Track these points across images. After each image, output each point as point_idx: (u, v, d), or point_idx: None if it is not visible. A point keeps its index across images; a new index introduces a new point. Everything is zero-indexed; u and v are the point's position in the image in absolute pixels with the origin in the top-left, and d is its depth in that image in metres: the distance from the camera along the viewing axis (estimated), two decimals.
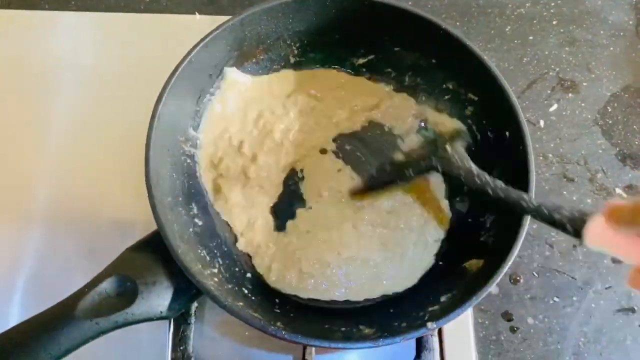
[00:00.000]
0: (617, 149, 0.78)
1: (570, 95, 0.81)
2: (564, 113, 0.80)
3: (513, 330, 0.68)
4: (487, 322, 0.68)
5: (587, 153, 0.77)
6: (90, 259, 0.67)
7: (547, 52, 0.84)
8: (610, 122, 0.79)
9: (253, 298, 0.58)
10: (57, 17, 0.81)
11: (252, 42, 0.65)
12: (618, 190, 0.75)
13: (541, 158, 0.77)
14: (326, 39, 0.68)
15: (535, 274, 0.70)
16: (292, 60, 0.70)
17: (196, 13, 0.81)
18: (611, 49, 0.84)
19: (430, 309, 0.56)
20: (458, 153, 0.59)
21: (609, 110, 0.80)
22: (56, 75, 0.77)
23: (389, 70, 0.71)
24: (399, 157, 0.65)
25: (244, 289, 0.59)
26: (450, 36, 0.61)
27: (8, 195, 0.71)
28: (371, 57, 0.70)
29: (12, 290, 0.65)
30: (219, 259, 0.60)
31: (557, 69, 0.83)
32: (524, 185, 0.56)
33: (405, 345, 0.63)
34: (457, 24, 0.85)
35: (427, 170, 0.61)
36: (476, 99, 0.65)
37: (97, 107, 0.75)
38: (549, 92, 0.81)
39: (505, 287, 0.70)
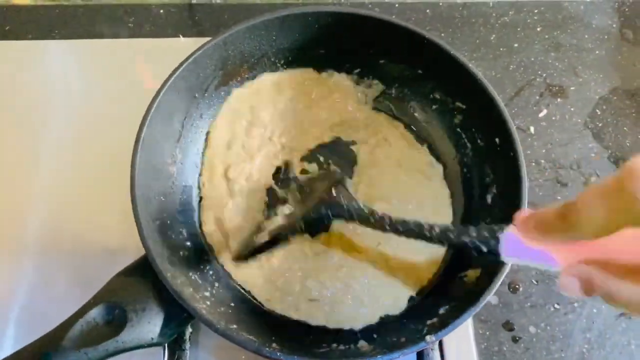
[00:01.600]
0: (609, 151, 0.77)
1: (559, 100, 0.81)
2: (553, 118, 0.79)
3: (515, 340, 0.66)
4: (488, 332, 0.66)
5: (579, 157, 0.76)
6: (82, 288, 0.64)
7: (533, 59, 0.84)
8: (600, 125, 0.78)
9: (247, 320, 0.57)
10: (42, 46, 0.80)
11: (236, 60, 0.64)
12: None
13: (533, 164, 0.76)
14: (311, 54, 0.67)
15: (534, 281, 0.69)
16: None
17: (180, 36, 0.81)
18: (597, 52, 0.84)
19: (428, 322, 0.55)
20: (344, 194, 0.57)
21: (599, 113, 0.80)
22: (44, 103, 0.76)
23: (376, 82, 0.70)
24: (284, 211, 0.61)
25: (237, 311, 0.57)
26: (434, 45, 0.60)
27: (1, 229, 0.69)
28: (357, 70, 0.70)
29: (5, 323, 0.64)
30: (211, 282, 0.59)
31: (544, 75, 0.82)
32: (517, 192, 0.55)
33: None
34: (442, 35, 0.84)
35: (316, 222, 0.57)
36: (464, 107, 0.65)
37: (86, 133, 0.74)
38: (537, 98, 0.81)
39: (505, 296, 0.68)
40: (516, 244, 0.43)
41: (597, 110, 0.80)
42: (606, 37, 0.86)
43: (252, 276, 0.61)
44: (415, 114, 0.70)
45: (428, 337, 0.50)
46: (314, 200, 0.58)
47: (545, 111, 0.80)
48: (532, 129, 0.78)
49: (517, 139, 0.57)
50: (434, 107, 0.68)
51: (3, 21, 0.83)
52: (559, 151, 0.77)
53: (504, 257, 0.44)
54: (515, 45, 0.85)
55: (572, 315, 0.67)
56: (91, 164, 0.72)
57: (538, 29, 0.86)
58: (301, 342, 0.56)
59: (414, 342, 0.51)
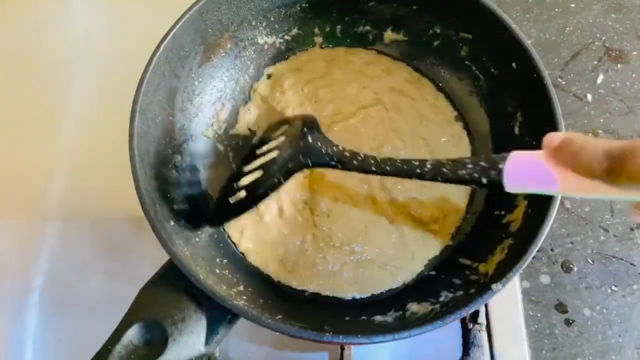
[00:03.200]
0: None
1: (619, 65, 0.74)
2: (613, 85, 0.72)
3: (568, 323, 0.61)
4: (539, 314, 0.61)
5: None
6: (105, 256, 0.63)
7: (591, 21, 0.76)
8: None
9: (288, 307, 0.52)
10: (65, 2, 0.76)
11: (215, 31, 0.58)
12: None
13: (590, 134, 0.70)
14: (293, 11, 0.62)
15: (590, 260, 0.64)
16: (266, 46, 0.64)
17: None
18: None
19: (483, 269, 0.50)
20: (321, 139, 0.52)
21: None
22: (67, 61, 0.72)
23: (368, 29, 0.65)
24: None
25: (275, 299, 0.53)
26: None
27: (23, 194, 0.67)
28: (347, 19, 0.64)
29: (29, 289, 0.62)
30: (241, 276, 0.54)
31: (604, 38, 0.75)
32: (550, 120, 0.50)
33: (451, 343, 0.58)
34: None
35: (296, 169, 0.51)
36: (470, 36, 0.59)
37: (111, 92, 0.69)
38: (595, 63, 0.74)
39: (558, 275, 0.63)
40: (521, 172, 0.39)
41: None
42: None
43: (266, 260, 0.57)
44: (417, 53, 0.65)
45: (494, 286, 0.44)
46: (289, 150, 0.52)
47: (602, 77, 0.73)
48: (589, 96, 0.72)
49: (539, 60, 0.52)
50: (435, 43, 0.63)
51: None
52: (619, 121, 0.70)
53: (507, 188, 0.40)
54: (572, 5, 0.77)
55: (630, 297, 0.62)
56: (117, 123, 0.68)
57: None
58: (349, 322, 0.51)
59: (478, 293, 0.45)
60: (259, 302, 0.49)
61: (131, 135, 0.48)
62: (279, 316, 0.46)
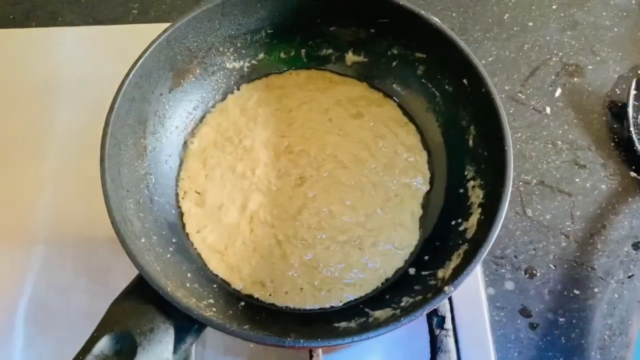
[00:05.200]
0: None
1: (575, 79, 0.77)
2: (570, 98, 0.76)
3: (533, 326, 0.63)
4: (504, 319, 0.63)
5: (597, 138, 0.74)
6: (87, 276, 0.64)
7: (548, 38, 0.80)
8: (620, 104, 0.75)
9: (257, 317, 0.54)
10: (46, 34, 0.79)
11: (184, 57, 0.60)
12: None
13: (550, 145, 0.72)
14: (259, 36, 0.65)
15: (552, 266, 0.66)
16: (234, 71, 0.67)
17: None
18: (615, 30, 0.80)
19: (440, 274, 0.53)
20: None
21: (618, 92, 0.76)
22: (50, 91, 0.74)
23: (331, 52, 0.68)
24: None
25: (246, 311, 0.55)
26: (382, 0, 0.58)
27: (7, 217, 0.68)
28: (310, 43, 0.67)
29: (14, 313, 0.63)
30: (211, 289, 0.56)
31: (560, 54, 0.79)
32: (497, 127, 0.53)
33: (419, 347, 0.59)
34: (454, 14, 0.81)
35: None
36: (424, 56, 0.63)
37: (93, 121, 0.71)
38: (553, 77, 0.77)
39: (522, 281, 0.65)
40: None
41: (617, 89, 0.76)
42: (625, 14, 0.82)
43: (235, 275, 0.58)
44: (377, 73, 0.68)
45: (446, 288, 0.47)
46: None
47: (560, 91, 0.77)
48: (547, 109, 0.75)
49: (486, 75, 0.55)
50: (394, 63, 0.66)
51: (6, 10, 0.81)
52: (576, 132, 0.74)
53: None
54: (530, 24, 0.81)
55: (592, 301, 0.64)
56: (97, 148, 0.71)
57: (553, 7, 0.82)
58: (313, 328, 0.54)
59: (433, 295, 0.48)
60: (228, 314, 0.51)
61: (102, 158, 0.50)
62: (246, 326, 0.47)
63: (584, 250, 0.67)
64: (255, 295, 0.57)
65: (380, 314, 0.52)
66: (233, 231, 0.59)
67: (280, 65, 0.68)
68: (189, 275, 0.54)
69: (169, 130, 0.62)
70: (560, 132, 0.73)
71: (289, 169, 0.62)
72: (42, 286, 0.64)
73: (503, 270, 0.66)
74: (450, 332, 0.60)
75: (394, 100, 0.67)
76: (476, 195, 0.57)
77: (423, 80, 0.64)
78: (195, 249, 0.59)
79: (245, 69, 0.67)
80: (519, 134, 0.73)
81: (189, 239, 0.59)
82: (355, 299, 0.58)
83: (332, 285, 0.57)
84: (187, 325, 0.46)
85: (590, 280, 0.65)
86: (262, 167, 0.62)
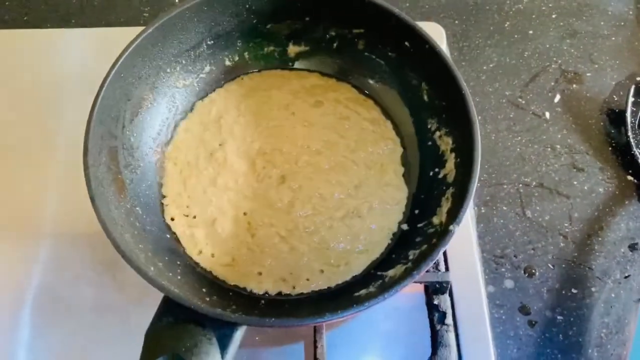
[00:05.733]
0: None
1: (574, 86, 0.79)
2: (569, 104, 0.78)
3: (531, 324, 0.65)
4: (504, 317, 0.65)
5: (595, 143, 0.76)
6: (96, 269, 0.65)
7: (548, 46, 0.82)
8: (617, 110, 0.77)
9: (286, 306, 0.56)
10: (60, 35, 0.80)
11: (136, 85, 0.61)
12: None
13: (549, 149, 0.74)
14: (201, 51, 0.66)
15: (550, 266, 0.67)
16: (186, 89, 0.68)
17: None
18: (613, 39, 0.83)
19: (436, 221, 0.56)
20: None
21: (615, 99, 0.78)
22: (61, 90, 0.76)
23: (272, 48, 0.69)
24: None
25: (268, 305, 0.57)
26: None
27: (17, 211, 0.69)
28: (251, 45, 0.68)
29: (22, 304, 0.63)
30: (229, 296, 0.57)
31: (560, 62, 0.81)
32: (448, 75, 0.56)
33: (420, 342, 0.61)
34: (456, 22, 0.83)
35: None
36: (362, 31, 0.65)
37: None
38: (552, 84, 0.79)
39: (521, 280, 0.67)
40: None
41: (614, 96, 0.78)
42: (623, 23, 0.84)
43: (246, 279, 0.59)
44: (322, 59, 0.70)
45: (451, 227, 0.49)
46: None
47: (560, 97, 0.79)
48: (547, 114, 0.77)
49: (426, 33, 0.58)
50: (334, 45, 0.68)
51: (22, 10, 0.84)
52: (575, 136, 0.76)
53: None
54: (530, 32, 0.83)
55: (589, 299, 0.66)
56: None
57: (553, 16, 0.85)
58: (341, 299, 0.56)
59: (439, 239, 0.50)
60: (255, 312, 0.53)
61: (92, 198, 0.51)
62: (282, 316, 0.49)
63: (582, 250, 0.68)
64: (283, 291, 0.59)
65: (393, 272, 0.55)
66: (235, 241, 0.60)
67: (228, 73, 0.70)
68: (204, 290, 0.55)
69: (139, 160, 0.62)
70: (559, 136, 0.75)
71: (267, 170, 0.64)
72: (50, 278, 0.65)
73: (503, 269, 0.67)
74: (451, 328, 0.62)
75: (347, 82, 0.70)
76: (445, 143, 0.60)
77: (366, 54, 0.67)
78: (203, 267, 0.60)
79: (197, 84, 0.68)
80: (519, 138, 0.75)
81: (192, 260, 0.60)
82: (373, 262, 0.60)
83: (348, 258, 0.60)
84: (226, 331, 0.47)
85: (588, 279, 0.67)
86: (242, 176, 0.63)
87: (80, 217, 0.69)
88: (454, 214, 0.51)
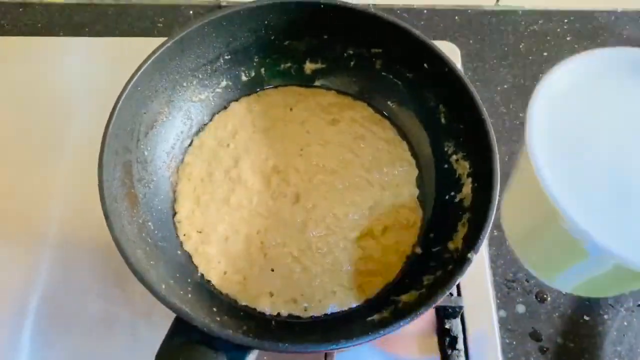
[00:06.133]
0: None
1: None
2: None
3: (542, 350, 0.64)
4: (515, 342, 0.64)
5: None
6: (103, 281, 0.64)
7: None
8: None
9: (296, 329, 0.56)
10: (73, 43, 0.80)
11: (153, 98, 0.61)
12: None
13: None
14: (218, 65, 0.66)
15: (563, 292, 0.67)
16: (202, 103, 0.67)
17: None
18: None
19: (451, 246, 0.55)
20: None
21: None
22: (69, 99, 0.76)
23: (289, 65, 0.69)
24: None
25: (279, 327, 0.56)
26: (329, 5, 0.60)
27: (22, 219, 0.68)
28: (268, 61, 0.68)
29: (24, 313, 0.63)
30: (240, 317, 0.56)
31: None
32: (467, 99, 0.55)
33: None
34: (471, 41, 0.83)
35: None
36: (380, 50, 0.64)
37: None
38: None
39: (533, 305, 0.66)
40: None
41: None
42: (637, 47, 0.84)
43: (256, 297, 0.58)
44: (339, 77, 0.70)
45: (470, 255, 0.49)
46: None
47: None
48: None
49: (446, 55, 0.57)
50: (351, 63, 0.68)
51: (36, 18, 0.83)
52: None
53: None
54: (545, 54, 0.83)
55: (602, 327, 0.65)
56: None
57: (568, 39, 0.84)
58: (354, 325, 0.55)
59: (455, 266, 0.49)
60: (267, 336, 0.52)
61: (106, 215, 0.50)
62: (295, 340, 0.48)
63: None
64: (294, 313, 0.58)
65: (406, 297, 0.54)
66: (247, 260, 0.59)
67: (244, 88, 0.69)
68: (214, 309, 0.54)
69: (153, 174, 0.61)
70: None
71: (281, 188, 0.63)
72: (56, 288, 0.64)
73: (514, 294, 0.67)
74: (462, 353, 0.61)
75: (364, 101, 0.69)
76: (462, 167, 0.59)
77: (383, 73, 0.66)
78: (214, 286, 0.59)
79: (212, 99, 0.68)
80: None
81: (204, 278, 0.59)
82: (386, 286, 0.59)
83: (361, 280, 0.59)
84: (237, 353, 0.47)
85: (600, 307, 0.66)
86: (256, 194, 0.62)
87: (88, 226, 0.69)
88: (471, 242, 0.50)
